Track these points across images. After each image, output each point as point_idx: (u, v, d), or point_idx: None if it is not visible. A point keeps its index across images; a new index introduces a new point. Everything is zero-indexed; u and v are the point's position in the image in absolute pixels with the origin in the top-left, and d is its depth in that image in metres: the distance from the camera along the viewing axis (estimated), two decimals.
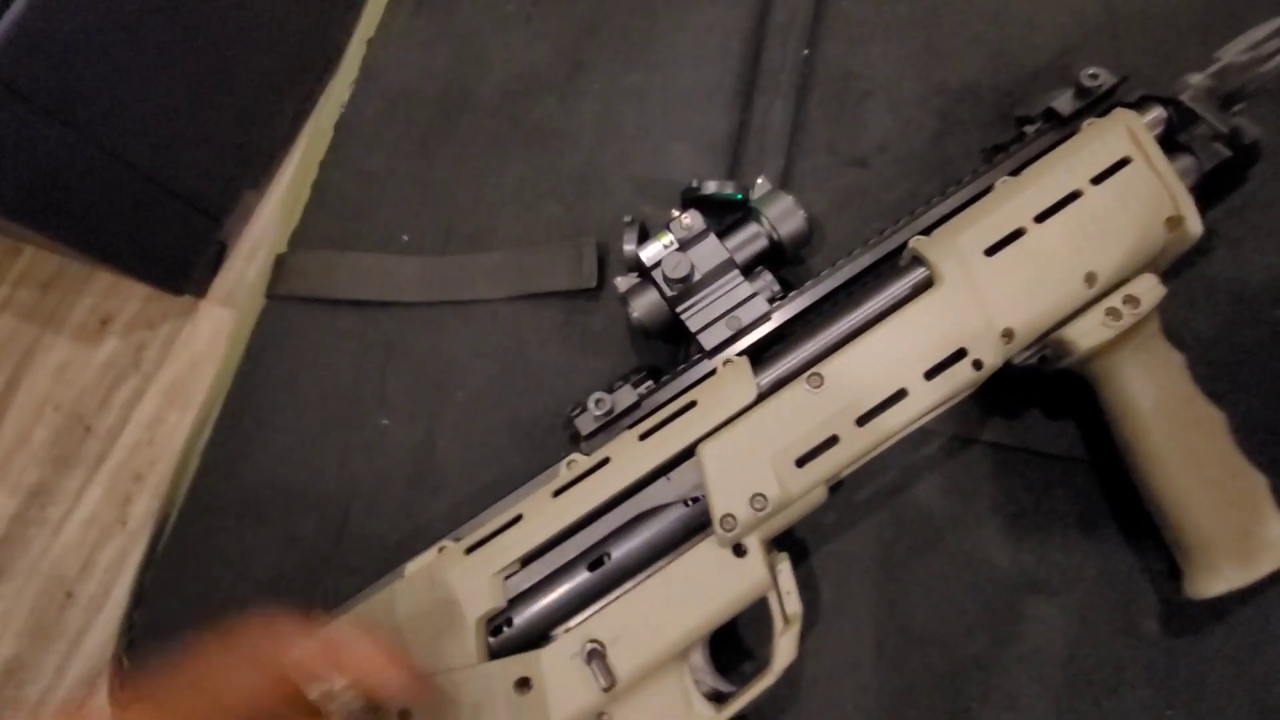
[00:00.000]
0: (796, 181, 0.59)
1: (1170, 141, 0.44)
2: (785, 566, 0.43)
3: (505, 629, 0.42)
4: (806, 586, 0.48)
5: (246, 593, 0.54)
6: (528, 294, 0.59)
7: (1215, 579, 0.40)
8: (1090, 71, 0.46)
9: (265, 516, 0.56)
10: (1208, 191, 0.43)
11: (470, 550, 0.43)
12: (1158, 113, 0.45)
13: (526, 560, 0.43)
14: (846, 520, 0.49)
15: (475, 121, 0.67)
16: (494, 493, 0.48)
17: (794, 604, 0.42)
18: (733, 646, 0.47)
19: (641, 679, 0.40)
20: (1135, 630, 0.45)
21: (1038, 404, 0.49)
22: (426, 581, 0.43)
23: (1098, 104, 0.47)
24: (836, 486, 0.44)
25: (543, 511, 0.43)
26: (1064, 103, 0.48)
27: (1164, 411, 0.41)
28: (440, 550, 0.45)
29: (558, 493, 0.43)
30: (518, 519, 0.43)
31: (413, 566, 0.45)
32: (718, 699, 0.42)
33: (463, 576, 0.42)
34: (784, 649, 0.41)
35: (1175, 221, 0.41)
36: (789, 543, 0.49)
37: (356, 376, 0.59)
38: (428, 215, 0.64)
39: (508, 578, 0.42)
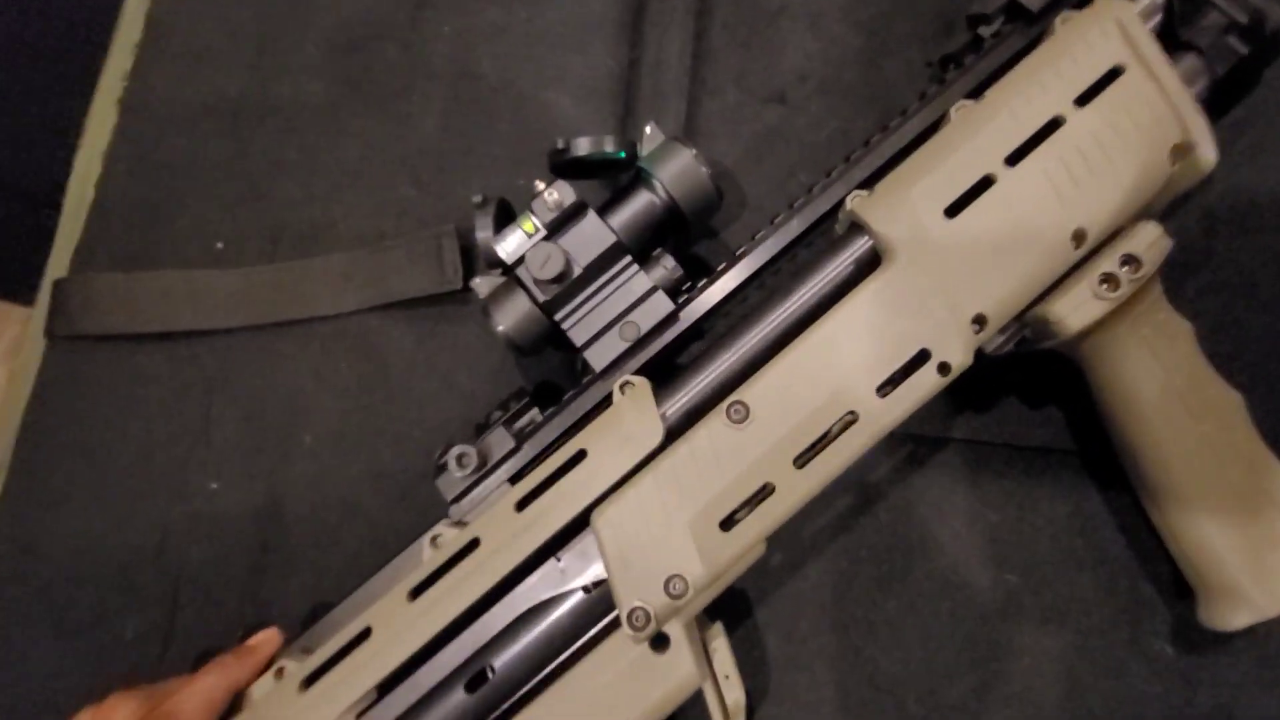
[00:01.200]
0: (703, 127, 0.49)
1: (1169, 37, 0.34)
2: (721, 642, 0.34)
3: None
4: (750, 642, 0.40)
5: None
6: (381, 304, 0.47)
7: (1238, 608, 0.32)
8: None
9: (69, 623, 0.44)
10: (1217, 102, 0.34)
11: (308, 682, 0.32)
12: None
13: (384, 687, 0.32)
14: (793, 556, 0.40)
15: (299, 86, 0.53)
16: (360, 566, 0.37)
17: (735, 692, 0.33)
18: None
19: None
20: (1144, 654, 0.37)
21: (1011, 388, 0.41)
22: None
23: None
24: None
25: (397, 621, 0.32)
26: None
27: (1170, 401, 0.33)
28: (278, 674, 0.34)
29: (415, 592, 0.32)
30: (365, 634, 0.32)
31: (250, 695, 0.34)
32: None
33: None
34: None
35: (1183, 149, 0.31)
36: (724, 596, 0.40)
37: (172, 431, 0.47)
38: (246, 213, 0.51)
39: (362, 714, 0.32)
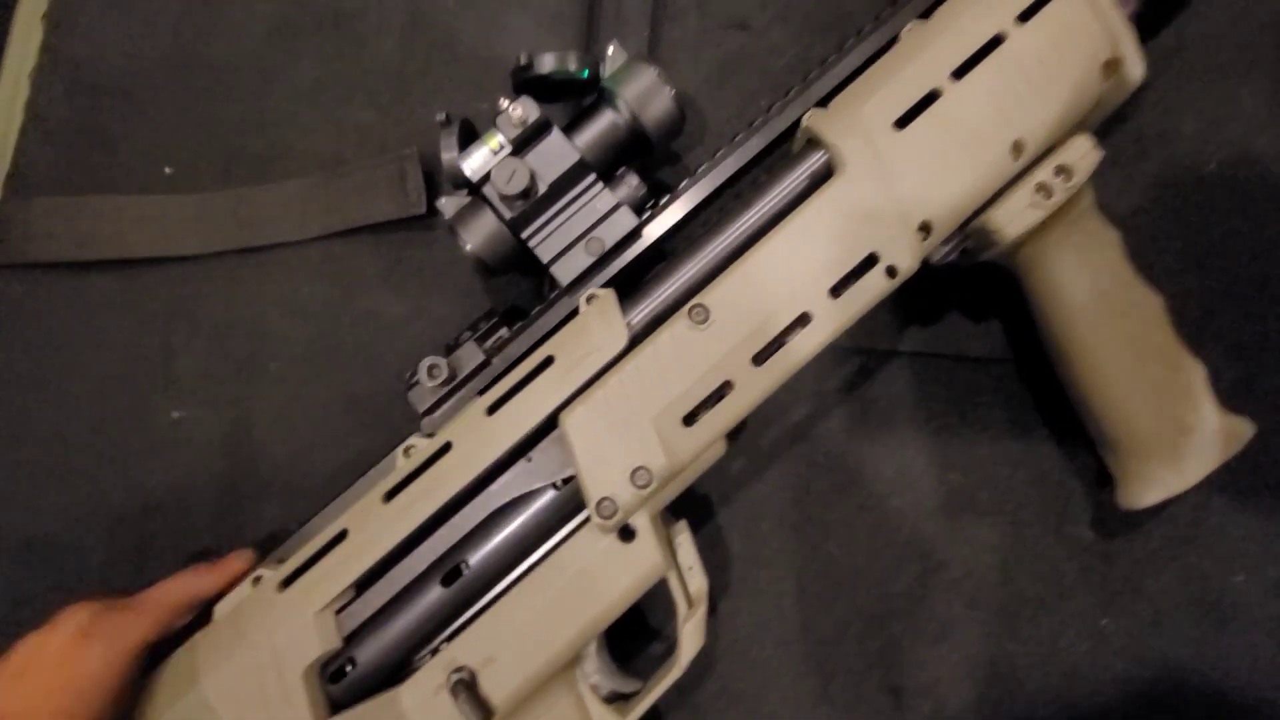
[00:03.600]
0: (664, 53, 0.49)
1: None
2: (685, 537, 0.36)
3: (349, 669, 0.34)
4: (712, 543, 0.42)
5: None
6: (343, 230, 0.47)
7: (1150, 486, 0.36)
8: None
9: (34, 556, 0.44)
10: (1147, 23, 0.36)
11: (285, 584, 0.33)
12: None
13: (362, 585, 0.33)
14: (753, 463, 0.43)
15: (247, 4, 0.51)
16: (333, 489, 0.38)
17: (698, 581, 0.35)
18: (632, 626, 0.41)
19: (525, 701, 0.33)
20: (1069, 538, 0.41)
21: (954, 305, 0.43)
22: (232, 631, 0.33)
23: None
24: (738, 430, 0.37)
25: (373, 522, 0.33)
26: None
27: (1099, 302, 0.35)
28: (255, 582, 0.35)
29: (389, 495, 0.33)
30: (342, 535, 0.33)
31: (222, 608, 0.35)
32: (620, 699, 0.36)
33: (279, 619, 0.32)
34: (690, 636, 0.34)
35: (1113, 65, 0.33)
36: (688, 498, 0.42)
37: (129, 360, 0.46)
38: (196, 137, 0.49)
39: (341, 610, 0.33)
